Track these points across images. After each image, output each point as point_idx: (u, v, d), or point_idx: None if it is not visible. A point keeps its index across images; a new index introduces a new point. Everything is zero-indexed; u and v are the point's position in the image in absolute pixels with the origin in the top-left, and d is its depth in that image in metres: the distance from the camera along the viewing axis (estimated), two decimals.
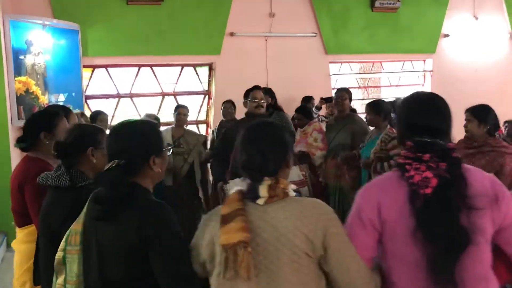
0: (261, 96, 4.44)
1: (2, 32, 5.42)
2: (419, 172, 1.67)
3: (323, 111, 6.94)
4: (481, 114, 3.61)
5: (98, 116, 5.47)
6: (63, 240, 1.90)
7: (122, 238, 1.72)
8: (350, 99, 5.25)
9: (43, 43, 5.94)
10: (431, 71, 8.80)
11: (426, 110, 1.83)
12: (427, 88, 8.90)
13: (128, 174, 1.79)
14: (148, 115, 5.92)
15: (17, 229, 2.68)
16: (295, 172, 3.58)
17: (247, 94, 4.50)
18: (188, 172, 5.27)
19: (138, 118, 5.70)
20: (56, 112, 2.79)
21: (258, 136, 1.79)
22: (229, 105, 6.04)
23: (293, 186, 1.77)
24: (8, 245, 5.34)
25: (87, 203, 1.89)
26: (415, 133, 1.75)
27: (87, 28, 6.52)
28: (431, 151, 1.69)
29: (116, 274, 1.75)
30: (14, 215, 2.69)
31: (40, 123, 2.69)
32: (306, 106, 6.00)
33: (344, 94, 5.19)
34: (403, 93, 8.69)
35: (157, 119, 5.85)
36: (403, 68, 8.95)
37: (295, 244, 1.62)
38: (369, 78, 8.96)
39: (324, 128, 5.34)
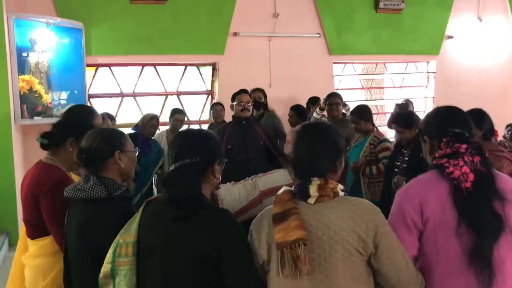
0: (247, 99, 4.47)
1: (6, 31, 5.42)
2: (458, 168, 1.82)
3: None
4: (477, 119, 3.49)
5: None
6: (110, 252, 1.84)
7: (194, 246, 1.69)
8: (342, 104, 5.46)
9: (46, 41, 5.95)
10: (435, 72, 8.78)
11: (459, 119, 2.00)
12: (430, 90, 8.89)
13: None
14: (105, 113, 5.38)
15: (29, 241, 2.47)
16: (285, 177, 3.48)
17: (234, 97, 4.52)
18: None
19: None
20: (90, 124, 2.53)
21: (312, 136, 1.84)
22: (219, 108, 5.95)
23: (341, 186, 1.80)
24: (10, 245, 5.35)
25: (140, 212, 1.85)
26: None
27: (90, 27, 6.52)
28: (467, 143, 1.86)
29: (184, 284, 1.71)
30: (26, 226, 2.48)
31: (72, 128, 2.48)
32: (301, 106, 6.00)
33: (336, 99, 5.43)
34: (407, 94, 8.68)
35: (112, 118, 5.62)
36: (406, 69, 8.93)
37: (348, 242, 1.68)
38: (372, 79, 8.93)
39: None
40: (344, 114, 5.91)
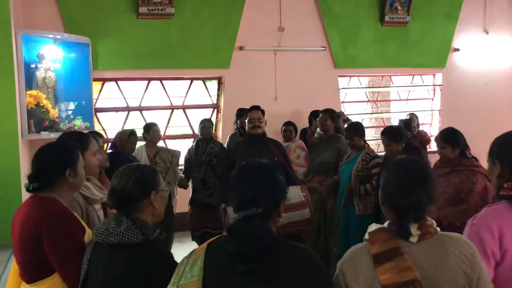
0: (258, 116, 4.46)
1: (14, 47, 5.49)
2: None
3: None
4: (453, 139, 3.85)
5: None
6: None
7: None
8: (332, 120, 5.48)
9: (54, 56, 6.02)
10: (441, 85, 8.76)
11: None
12: (436, 103, 8.86)
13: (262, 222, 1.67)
14: (92, 132, 4.99)
15: (24, 285, 2.17)
16: (296, 193, 3.49)
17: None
18: None
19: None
20: (73, 147, 2.36)
21: (412, 173, 1.75)
22: (208, 124, 5.72)
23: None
24: None
25: (203, 257, 1.68)
26: None
27: (97, 42, 6.59)
28: None
29: None
30: (21, 269, 2.19)
31: (64, 158, 2.23)
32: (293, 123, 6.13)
33: (326, 116, 5.44)
34: (413, 107, 8.67)
35: (100, 135, 5.23)
36: (412, 82, 8.92)
37: (457, 280, 1.64)
38: (378, 92, 8.92)
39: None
40: (339, 131, 5.98)
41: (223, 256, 1.64)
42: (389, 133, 4.37)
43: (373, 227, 1.74)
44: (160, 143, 7.24)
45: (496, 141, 2.08)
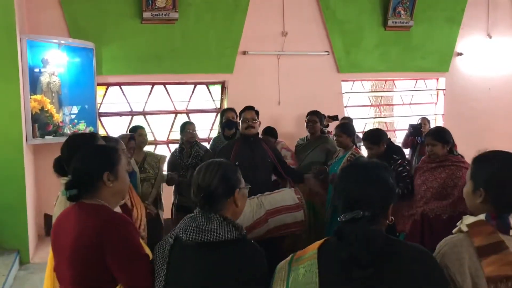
0: (251, 116, 4.43)
1: (19, 52, 5.52)
2: None
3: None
4: (443, 137, 4.08)
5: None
6: None
7: None
8: (321, 122, 5.68)
9: (58, 61, 6.05)
10: (444, 89, 8.76)
11: None
12: (440, 107, 8.86)
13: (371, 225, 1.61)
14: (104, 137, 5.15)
15: None
16: (290, 196, 3.47)
17: (240, 114, 4.48)
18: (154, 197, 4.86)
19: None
20: (113, 148, 2.21)
21: None
22: (191, 127, 5.42)
23: None
24: (21, 263, 5.37)
25: (316, 262, 1.63)
26: None
27: (101, 46, 6.62)
28: None
29: None
30: (71, 284, 1.97)
31: (103, 161, 2.08)
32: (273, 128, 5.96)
33: (314, 117, 5.63)
34: (416, 111, 8.66)
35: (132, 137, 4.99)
36: (415, 86, 8.92)
37: None
38: (381, 97, 8.93)
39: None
40: (324, 132, 6.05)
41: (337, 261, 1.58)
42: (369, 137, 4.56)
43: (469, 219, 1.76)
44: (164, 148, 7.34)
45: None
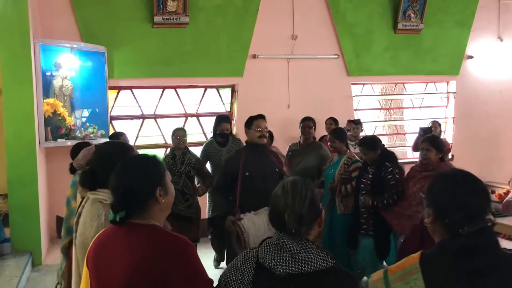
0: (264, 125, 4.28)
1: (32, 56, 5.61)
2: None
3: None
4: (437, 143, 4.34)
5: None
6: None
7: None
8: (314, 127, 5.82)
9: (71, 65, 6.13)
10: (455, 93, 8.73)
11: None
12: (450, 110, 8.82)
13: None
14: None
15: None
16: None
17: (250, 122, 4.32)
18: None
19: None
20: (157, 159, 1.90)
21: None
22: (181, 133, 5.37)
23: None
24: (34, 265, 5.43)
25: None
26: None
27: (113, 50, 6.70)
28: None
29: None
30: None
31: (153, 175, 1.82)
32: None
33: (309, 123, 5.77)
34: (426, 115, 8.63)
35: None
36: (426, 89, 8.89)
37: None
38: (391, 100, 8.91)
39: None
40: (314, 138, 6.07)
41: (450, 273, 1.56)
42: (365, 143, 4.78)
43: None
44: None
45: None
